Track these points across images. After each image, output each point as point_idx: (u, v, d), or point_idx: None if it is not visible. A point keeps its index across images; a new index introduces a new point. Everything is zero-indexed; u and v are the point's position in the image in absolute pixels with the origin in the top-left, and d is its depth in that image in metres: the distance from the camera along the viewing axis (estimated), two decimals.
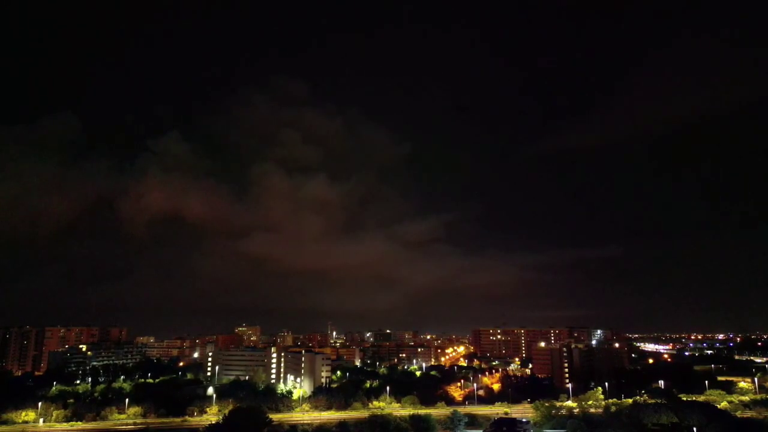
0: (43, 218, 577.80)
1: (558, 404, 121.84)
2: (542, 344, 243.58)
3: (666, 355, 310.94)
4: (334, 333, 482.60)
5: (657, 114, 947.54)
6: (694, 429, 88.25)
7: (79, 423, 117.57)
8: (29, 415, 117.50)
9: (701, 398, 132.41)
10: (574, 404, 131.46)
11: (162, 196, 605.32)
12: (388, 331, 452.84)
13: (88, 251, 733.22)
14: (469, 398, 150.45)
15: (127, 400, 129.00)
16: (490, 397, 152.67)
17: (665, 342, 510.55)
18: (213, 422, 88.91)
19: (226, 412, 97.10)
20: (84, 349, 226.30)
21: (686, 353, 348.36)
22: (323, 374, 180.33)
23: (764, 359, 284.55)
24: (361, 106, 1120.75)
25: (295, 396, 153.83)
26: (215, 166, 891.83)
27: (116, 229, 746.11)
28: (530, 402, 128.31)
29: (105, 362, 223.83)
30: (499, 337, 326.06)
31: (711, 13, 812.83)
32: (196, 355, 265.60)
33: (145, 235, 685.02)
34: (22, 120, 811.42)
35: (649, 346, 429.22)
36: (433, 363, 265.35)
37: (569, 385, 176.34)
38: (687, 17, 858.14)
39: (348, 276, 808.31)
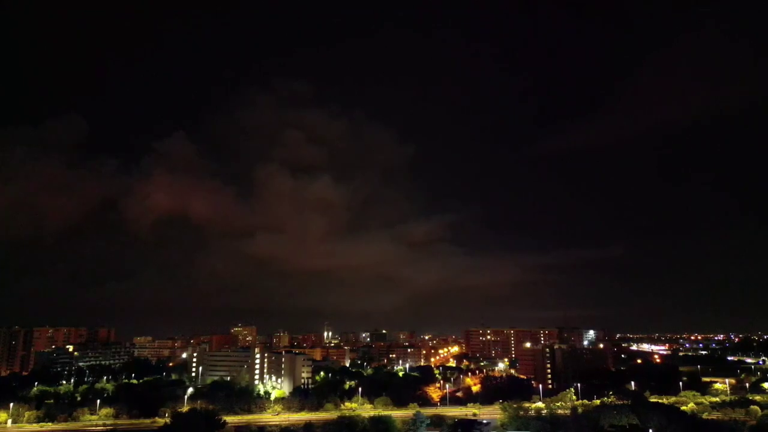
0: (48, 219, 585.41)
1: (527, 405, 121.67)
2: (527, 345, 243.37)
3: (657, 356, 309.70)
4: (330, 333, 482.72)
5: (658, 115, 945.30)
6: (650, 431, 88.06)
7: (50, 424, 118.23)
8: (0, 416, 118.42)
9: (672, 399, 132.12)
10: (543, 405, 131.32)
11: (167, 197, 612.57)
12: (384, 331, 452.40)
13: (93, 252, 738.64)
14: (446, 399, 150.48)
15: (98, 401, 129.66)
16: (466, 398, 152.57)
17: (663, 342, 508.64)
18: (162, 424, 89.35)
19: (176, 412, 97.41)
20: (71, 350, 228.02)
21: (680, 353, 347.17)
22: (304, 375, 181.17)
23: (755, 360, 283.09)
24: (365, 107, 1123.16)
25: (273, 397, 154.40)
26: (220, 167, 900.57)
27: (121, 229, 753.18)
28: (502, 403, 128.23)
29: (92, 363, 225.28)
30: (489, 337, 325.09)
31: (713, 12, 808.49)
32: (185, 355, 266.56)
33: (150, 236, 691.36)
34: (28, 121, 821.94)
35: (645, 347, 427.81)
36: (422, 363, 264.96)
37: (550, 386, 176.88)
38: (689, 17, 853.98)
39: (351, 276, 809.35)
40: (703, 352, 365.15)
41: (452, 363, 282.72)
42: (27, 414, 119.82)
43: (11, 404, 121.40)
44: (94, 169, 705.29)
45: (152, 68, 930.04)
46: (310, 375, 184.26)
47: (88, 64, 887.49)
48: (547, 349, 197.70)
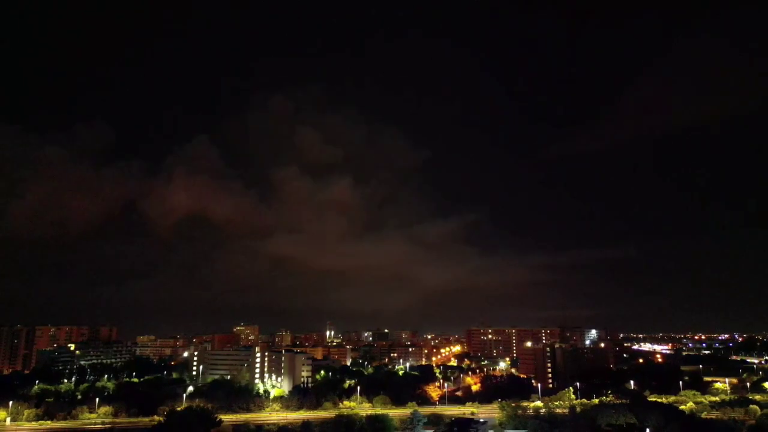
0: (73, 219, 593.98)
1: (525, 404, 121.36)
2: (528, 344, 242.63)
3: (659, 356, 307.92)
4: (332, 333, 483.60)
5: (662, 118, 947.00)
6: (647, 430, 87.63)
7: (48, 422, 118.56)
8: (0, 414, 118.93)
9: (671, 399, 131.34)
10: (542, 404, 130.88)
11: (189, 199, 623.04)
12: (386, 330, 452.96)
13: (116, 252, 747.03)
14: (445, 398, 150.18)
15: (98, 399, 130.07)
16: (465, 397, 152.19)
17: (666, 342, 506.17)
18: (157, 422, 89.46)
19: (172, 410, 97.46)
20: (72, 348, 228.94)
21: (683, 353, 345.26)
22: (303, 374, 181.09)
23: (758, 359, 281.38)
24: (382, 111, 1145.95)
25: (273, 395, 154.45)
26: (241, 169, 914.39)
27: (142, 230, 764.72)
28: (501, 402, 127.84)
29: (93, 361, 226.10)
30: (490, 336, 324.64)
31: (713, 19, 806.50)
32: (186, 354, 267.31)
33: (171, 236, 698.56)
34: (59, 128, 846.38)
35: (648, 346, 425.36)
36: (423, 362, 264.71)
37: (550, 385, 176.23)
38: (689, 23, 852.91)
39: (366, 276, 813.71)
40: (706, 352, 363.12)
41: (453, 362, 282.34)
42: (26, 412, 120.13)
43: (11, 402, 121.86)
44: (119, 171, 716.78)
45: (176, 74, 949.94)
46: (310, 374, 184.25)
47: (115, 73, 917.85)
48: (548, 349, 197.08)
